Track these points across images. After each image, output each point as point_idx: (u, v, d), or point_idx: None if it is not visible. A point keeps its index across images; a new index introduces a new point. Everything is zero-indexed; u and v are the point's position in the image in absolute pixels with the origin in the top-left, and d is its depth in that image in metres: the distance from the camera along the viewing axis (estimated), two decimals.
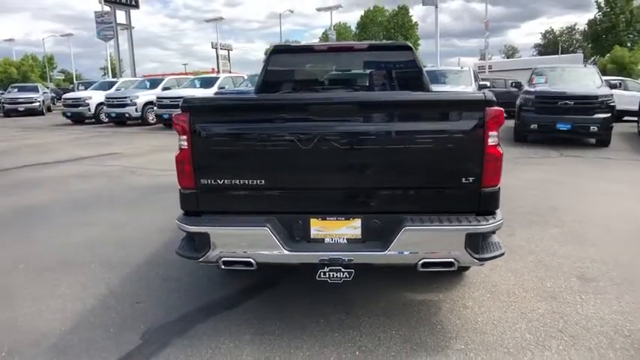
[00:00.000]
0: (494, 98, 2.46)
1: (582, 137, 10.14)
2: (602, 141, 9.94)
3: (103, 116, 18.32)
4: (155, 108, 15.95)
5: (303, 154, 2.51)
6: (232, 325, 2.93)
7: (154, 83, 18.81)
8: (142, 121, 17.09)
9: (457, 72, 12.73)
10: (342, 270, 2.52)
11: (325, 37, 65.05)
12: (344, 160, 2.53)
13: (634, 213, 5.15)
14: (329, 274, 2.54)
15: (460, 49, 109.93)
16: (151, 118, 17.05)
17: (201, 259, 2.62)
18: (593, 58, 49.97)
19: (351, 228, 2.62)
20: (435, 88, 12.16)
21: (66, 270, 3.87)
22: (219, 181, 2.60)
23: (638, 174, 7.42)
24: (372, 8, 63.21)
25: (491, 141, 2.47)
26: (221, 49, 46.20)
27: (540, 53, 65.20)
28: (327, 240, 2.63)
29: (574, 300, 3.16)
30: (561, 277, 3.51)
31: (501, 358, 2.54)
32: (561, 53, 54.60)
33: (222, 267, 2.64)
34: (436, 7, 18.20)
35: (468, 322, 2.93)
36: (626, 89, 15.18)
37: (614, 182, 6.76)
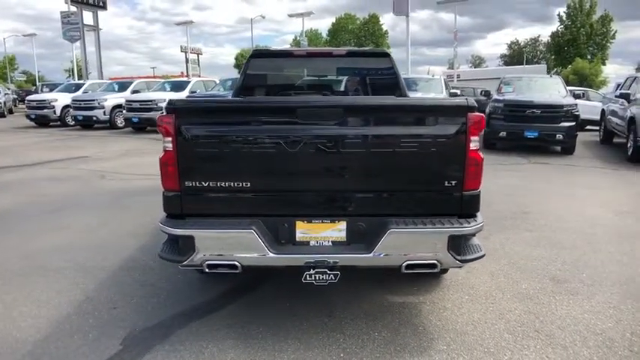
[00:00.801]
0: (476, 104, 2.55)
1: (549, 145, 10.53)
2: (567, 149, 10.34)
3: (69, 119, 17.79)
4: (124, 111, 15.59)
5: (289, 157, 2.53)
6: (214, 330, 2.89)
7: (122, 86, 18.38)
8: (110, 125, 16.68)
9: (428, 80, 13.00)
10: (328, 272, 2.54)
11: (297, 43, 65.29)
12: (329, 163, 2.55)
13: (600, 218, 5.38)
14: (315, 277, 2.55)
15: (428, 57, 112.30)
16: (120, 121, 16.65)
17: (185, 263, 2.58)
18: (555, 69, 51.94)
19: (336, 231, 2.64)
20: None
21: (39, 275, 3.74)
22: (203, 183, 2.58)
23: (601, 181, 7.75)
24: (343, 16, 63.97)
25: (472, 145, 2.55)
26: (190, 52, 45.64)
27: (506, 63, 67.37)
28: (312, 243, 2.65)
29: (548, 301, 3.28)
30: (535, 278, 3.63)
31: (482, 357, 2.61)
32: (526, 64, 56.61)
33: (206, 270, 2.61)
34: (407, 16, 18.59)
35: (449, 323, 2.99)
36: (588, 99, 15.88)
37: (581, 188, 7.05)
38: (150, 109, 14.33)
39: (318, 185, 2.61)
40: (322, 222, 2.63)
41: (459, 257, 2.58)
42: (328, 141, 2.50)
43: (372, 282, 3.53)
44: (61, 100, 17.95)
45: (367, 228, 2.61)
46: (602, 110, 12.70)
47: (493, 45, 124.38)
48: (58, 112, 17.84)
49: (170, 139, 2.55)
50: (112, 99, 16.50)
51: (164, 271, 3.78)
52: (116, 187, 7.11)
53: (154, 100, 14.43)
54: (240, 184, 2.57)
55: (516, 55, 68.57)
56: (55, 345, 2.75)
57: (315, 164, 2.55)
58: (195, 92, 15.20)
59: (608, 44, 51.68)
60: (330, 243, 2.65)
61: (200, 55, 50.72)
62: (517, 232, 4.77)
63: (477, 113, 2.55)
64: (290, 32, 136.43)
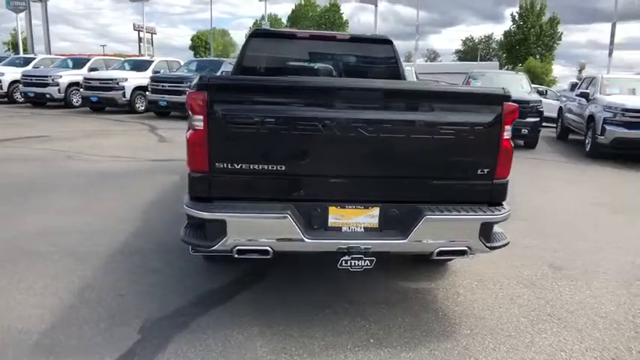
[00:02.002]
0: (510, 94, 2.58)
1: (514, 139, 10.91)
2: (531, 143, 10.82)
3: (18, 96, 16.55)
4: (82, 90, 14.70)
5: (327, 141, 2.46)
6: (236, 317, 2.80)
7: (77, 63, 17.28)
8: (65, 104, 15.68)
9: None
10: (364, 258, 2.52)
11: (257, 26, 64.06)
12: (366, 148, 2.51)
13: (577, 209, 5.68)
14: (351, 262, 2.52)
15: None
16: (76, 100, 15.70)
17: (214, 248, 2.46)
18: (506, 67, 54.07)
19: (369, 217, 2.61)
20: None
21: (27, 261, 3.47)
22: (235, 165, 2.46)
23: (568, 174, 8.19)
24: (303, 2, 63.31)
25: (506, 134, 2.59)
26: (144, 32, 43.58)
27: (460, 59, 69.34)
28: (344, 229, 2.60)
29: (551, 286, 3.43)
30: (534, 265, 3.78)
31: (505, 341, 2.69)
32: (480, 60, 58.57)
33: (235, 256, 2.51)
34: (376, 5, 18.68)
35: (466, 308, 3.06)
36: (545, 97, 16.64)
37: (552, 180, 7.41)
38: (111, 89, 13.60)
39: (353, 170, 2.56)
40: (355, 208, 2.58)
41: (488, 244, 2.63)
42: (367, 125, 2.45)
43: (381, 269, 3.52)
44: (8, 74, 16.65)
45: (400, 214, 2.59)
46: (560, 108, 13.37)
47: (447, 40, 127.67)
48: (5, 88, 16.56)
49: (201, 117, 2.41)
50: (68, 76, 15.49)
51: (165, 256, 3.62)
52: (86, 169, 6.71)
53: (116, 79, 13.70)
54: (274, 167, 2.48)
55: (470, 52, 70.75)
56: (64, 335, 2.56)
57: (352, 148, 2.50)
58: (158, 72, 14.55)
59: (555, 45, 54.37)
60: (362, 229, 2.61)
61: (154, 35, 48.60)
62: (509, 222, 4.93)
63: (511, 103, 2.58)
64: (246, 16, 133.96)
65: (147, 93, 13.34)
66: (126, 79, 13.77)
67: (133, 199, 5.18)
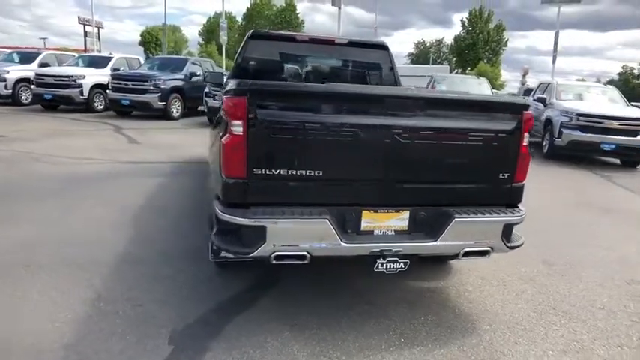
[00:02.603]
0: (529, 103, 2.75)
1: None
2: None
3: None
4: (33, 87, 13.84)
5: (363, 146, 2.52)
6: (263, 323, 2.80)
7: (25, 57, 16.26)
8: (12, 101, 14.71)
9: None
10: (399, 261, 2.60)
11: (212, 24, 62.86)
12: (399, 153, 2.58)
13: (554, 206, 6.06)
14: (386, 265, 2.59)
15: None
16: (25, 97, 14.77)
17: (253, 254, 2.46)
18: (456, 70, 56.19)
19: (399, 220, 2.69)
20: None
21: (25, 274, 3.28)
22: (273, 171, 2.46)
23: (531, 174, 8.65)
24: (259, 1, 62.76)
25: (525, 141, 2.76)
26: (91, 25, 41.53)
27: (412, 62, 71.30)
28: (375, 232, 2.67)
29: (549, 281, 3.66)
30: (530, 262, 4.00)
31: (523, 334, 2.86)
32: (431, 64, 60.49)
33: (273, 262, 2.51)
34: (339, 8, 18.89)
35: (479, 304, 3.22)
36: None
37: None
38: (67, 86, 12.88)
39: (386, 175, 2.63)
40: (387, 211, 2.66)
41: (508, 244, 2.79)
42: (402, 131, 2.53)
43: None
44: None
45: (428, 217, 2.69)
46: None
47: (399, 43, 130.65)
48: None
49: (240, 122, 2.39)
50: (16, 71, 14.54)
51: (172, 264, 3.54)
52: (58, 172, 6.37)
53: (72, 76, 13.00)
54: (312, 173, 2.50)
55: (422, 55, 72.88)
56: (92, 349, 2.47)
57: (386, 153, 2.57)
58: (117, 70, 13.98)
59: (501, 51, 57.14)
60: (393, 232, 2.69)
61: (101, 29, 46.43)
62: None
63: (529, 111, 2.75)
64: (197, 12, 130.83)
65: (107, 91, 12.78)
66: (83, 76, 13.10)
67: (118, 205, 4.99)
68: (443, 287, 3.45)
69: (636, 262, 4.19)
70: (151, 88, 12.29)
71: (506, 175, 2.77)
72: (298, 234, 2.48)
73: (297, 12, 61.26)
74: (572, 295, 3.45)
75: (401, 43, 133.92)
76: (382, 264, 2.58)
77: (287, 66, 4.63)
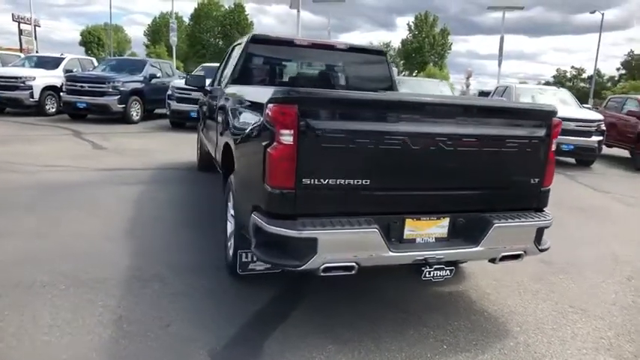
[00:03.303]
0: (557, 110, 2.85)
1: None
2: None
3: None
4: None
5: (410, 154, 2.51)
6: (303, 338, 2.70)
7: None
8: None
9: None
10: (445, 268, 2.60)
11: (158, 24, 60.83)
12: (442, 161, 2.60)
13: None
14: (434, 273, 2.58)
15: None
16: None
17: (303, 267, 2.37)
18: (403, 73, 57.74)
19: (439, 227, 2.70)
20: None
21: (31, 293, 2.99)
22: (321, 180, 2.39)
23: None
24: (206, 1, 61.50)
25: (553, 147, 2.85)
26: (26, 23, 38.91)
27: None
28: (417, 240, 2.67)
29: (557, 280, 3.81)
30: (532, 262, 4.08)
31: (553, 334, 2.95)
32: None
33: (322, 274, 2.43)
34: (298, 10, 18.85)
35: (502, 306, 3.29)
36: None
37: None
38: (16, 88, 11.97)
39: (429, 182, 2.63)
40: (429, 219, 2.66)
41: (539, 247, 2.87)
42: (446, 139, 2.55)
43: (405, 277, 3.58)
44: None
45: (466, 223, 2.72)
46: None
47: None
48: None
49: (291, 131, 2.31)
50: None
51: (186, 279, 3.35)
52: (28, 182, 5.88)
53: (21, 78, 12.08)
54: (359, 182, 2.45)
55: None
56: None
57: (430, 162, 2.57)
58: (70, 71, 13.16)
59: (446, 54, 59.41)
60: (434, 239, 2.70)
61: (37, 28, 43.61)
62: None
63: (557, 118, 2.85)
64: (139, 12, 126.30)
65: (62, 94, 11.99)
66: (33, 78, 12.21)
67: (105, 215, 4.68)
68: (463, 291, 3.50)
69: (626, 259, 4.45)
70: (110, 90, 11.68)
71: (536, 179, 2.85)
72: (349, 245, 2.43)
73: (246, 13, 60.65)
74: (582, 292, 3.60)
75: None
76: (429, 272, 2.58)
77: (287, 70, 4.54)
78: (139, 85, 12.61)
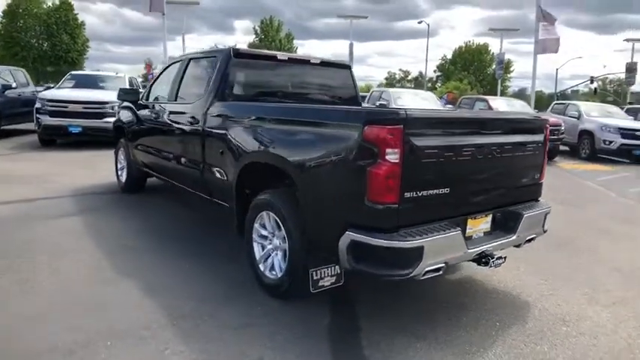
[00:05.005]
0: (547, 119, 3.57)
1: None
2: None
3: None
4: None
5: (477, 163, 2.94)
6: (393, 340, 2.86)
7: None
8: None
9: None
10: (502, 257, 3.05)
11: None
12: (492, 166, 3.09)
13: None
14: (496, 262, 3.00)
15: (115, 55, 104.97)
16: None
17: (412, 274, 2.58)
18: None
19: (485, 223, 3.17)
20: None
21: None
22: (418, 193, 2.65)
23: None
24: None
25: (547, 147, 3.56)
26: None
27: None
28: (474, 236, 3.09)
29: (561, 275, 4.08)
30: (524, 261, 4.27)
31: (576, 328, 3.15)
32: None
33: (421, 278, 2.67)
34: (163, 14, 17.72)
35: (529, 296, 3.60)
36: None
37: None
38: None
39: (485, 185, 3.10)
40: (481, 217, 3.11)
41: (544, 230, 3.54)
42: (498, 148, 3.06)
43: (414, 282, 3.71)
44: None
45: (502, 217, 3.25)
46: None
47: (176, 48, 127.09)
48: None
49: (397, 150, 2.49)
50: None
51: (228, 310, 3.20)
52: None
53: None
54: (443, 190, 2.77)
55: None
56: None
57: (487, 168, 3.05)
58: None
59: None
60: (483, 234, 3.15)
61: None
62: None
63: (547, 125, 3.56)
64: None
65: None
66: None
67: (71, 255, 4.05)
68: (485, 282, 3.80)
69: (612, 250, 4.90)
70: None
71: (537, 175, 3.53)
72: (443, 248, 2.72)
73: (75, 12, 54.21)
74: (594, 279, 4.00)
75: (187, 48, 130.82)
76: (493, 262, 2.99)
77: (265, 84, 4.55)
78: None
